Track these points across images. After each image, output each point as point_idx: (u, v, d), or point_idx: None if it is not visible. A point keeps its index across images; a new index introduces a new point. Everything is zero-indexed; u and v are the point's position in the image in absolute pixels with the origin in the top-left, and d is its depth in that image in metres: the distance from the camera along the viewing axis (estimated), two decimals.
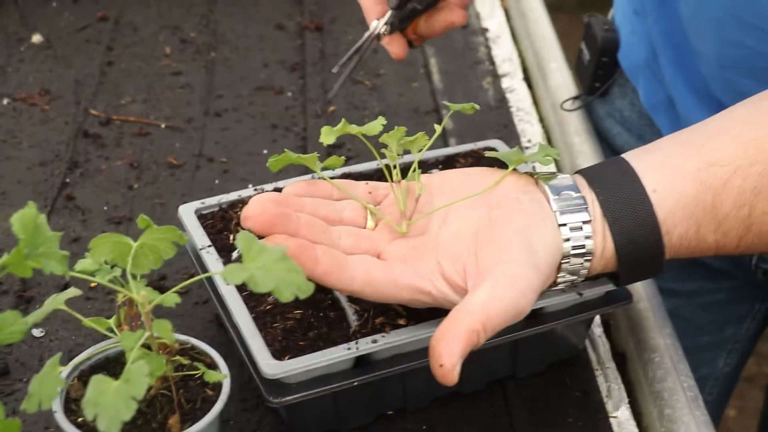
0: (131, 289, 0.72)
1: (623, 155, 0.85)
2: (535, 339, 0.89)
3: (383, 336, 0.81)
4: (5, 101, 1.29)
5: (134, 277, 0.78)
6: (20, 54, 1.39)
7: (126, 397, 0.64)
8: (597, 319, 0.98)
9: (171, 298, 0.72)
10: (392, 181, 0.85)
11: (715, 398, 1.31)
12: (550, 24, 1.41)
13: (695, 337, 1.27)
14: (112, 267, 0.76)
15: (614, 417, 0.88)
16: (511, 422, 0.88)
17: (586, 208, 0.81)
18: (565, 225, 0.80)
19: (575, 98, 1.24)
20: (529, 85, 1.35)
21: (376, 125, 0.85)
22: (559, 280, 0.82)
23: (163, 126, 1.26)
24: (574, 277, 0.82)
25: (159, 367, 0.72)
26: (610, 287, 0.88)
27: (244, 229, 0.76)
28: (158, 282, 1.02)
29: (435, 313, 0.83)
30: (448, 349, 0.74)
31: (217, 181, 1.17)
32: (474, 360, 0.87)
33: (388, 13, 1.05)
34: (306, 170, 1.09)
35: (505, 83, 1.35)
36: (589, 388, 0.92)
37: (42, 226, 0.69)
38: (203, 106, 1.29)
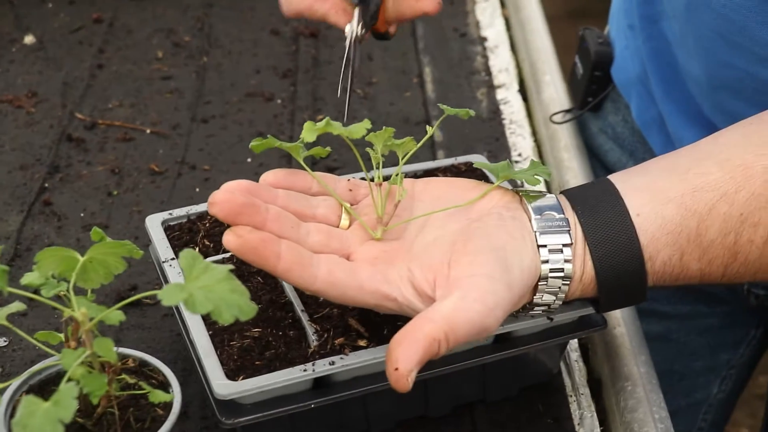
0: (73, 305, 0.69)
1: (609, 176, 0.82)
2: (506, 363, 0.86)
3: (342, 358, 0.79)
4: None
5: (84, 291, 0.77)
6: (11, 55, 1.37)
7: (53, 420, 0.62)
8: (574, 343, 0.95)
9: (115, 316, 0.70)
10: (373, 182, 0.83)
11: (710, 425, 1.28)
12: (548, 35, 1.38)
13: (689, 362, 1.24)
14: (59, 281, 0.74)
15: None
16: None
17: (568, 230, 0.78)
18: (544, 246, 0.77)
19: (567, 112, 1.21)
20: (525, 98, 1.32)
21: (360, 127, 0.82)
22: (535, 301, 0.79)
23: (148, 131, 1.24)
24: (552, 298, 0.79)
25: (100, 387, 0.69)
26: (584, 311, 0.85)
27: (214, 216, 0.74)
28: (128, 292, 1.00)
29: (395, 333, 0.80)
30: (405, 354, 0.71)
31: (197, 189, 1.15)
32: (442, 382, 0.85)
33: (356, 12, 0.98)
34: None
35: (500, 95, 1.32)
36: (561, 414, 0.88)
37: None
38: (190, 112, 1.27)
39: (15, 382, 0.77)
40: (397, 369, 0.71)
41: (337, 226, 0.82)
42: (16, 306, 0.72)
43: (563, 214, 0.79)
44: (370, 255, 0.79)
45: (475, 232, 0.78)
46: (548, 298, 0.79)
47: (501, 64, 1.38)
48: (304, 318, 0.82)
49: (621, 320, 0.92)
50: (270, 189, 0.80)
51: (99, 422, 0.75)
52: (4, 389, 0.76)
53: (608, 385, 0.89)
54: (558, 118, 1.20)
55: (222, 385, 0.76)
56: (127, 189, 1.14)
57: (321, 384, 0.80)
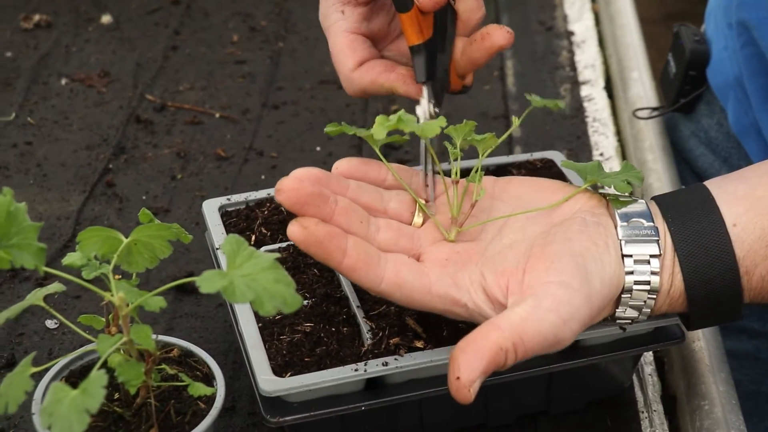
0: (111, 288, 0.66)
1: (705, 182, 0.75)
2: (573, 373, 0.80)
3: (396, 359, 0.74)
4: (64, 81, 1.26)
5: (129, 275, 0.73)
6: (87, 34, 1.36)
7: (80, 410, 0.58)
8: (649, 356, 0.89)
9: (155, 302, 0.67)
10: (448, 177, 0.78)
11: None
12: (639, 30, 1.31)
13: None
14: (101, 263, 0.71)
15: None
16: None
17: (657, 240, 0.72)
18: (630, 256, 0.72)
19: (654, 109, 1.14)
20: (611, 95, 1.26)
21: (434, 125, 0.76)
22: (618, 314, 0.74)
23: (217, 116, 1.21)
24: (636, 313, 0.73)
25: (136, 376, 0.66)
26: (661, 323, 0.78)
27: (279, 201, 0.69)
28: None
29: (458, 336, 0.75)
30: (469, 363, 0.66)
31: (263, 177, 1.11)
32: (503, 391, 0.80)
33: (424, 90, 0.82)
34: None
35: (584, 91, 1.26)
36: (631, 431, 0.82)
37: (18, 215, 0.63)
38: (262, 98, 1.24)
39: (56, 366, 0.74)
40: (458, 378, 0.65)
41: (410, 224, 0.77)
42: (55, 287, 0.69)
43: (653, 222, 0.73)
44: (441, 256, 0.74)
45: (555, 237, 0.72)
46: (632, 312, 0.73)
47: (587, 59, 1.32)
48: (360, 314, 0.77)
49: (701, 334, 0.85)
50: (341, 179, 0.76)
51: (138, 413, 0.71)
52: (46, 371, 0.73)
53: (683, 403, 0.83)
54: (643, 113, 1.14)
55: (268, 381, 0.72)
56: (192, 173, 1.11)
57: (374, 385, 0.76)
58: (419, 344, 0.75)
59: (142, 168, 1.12)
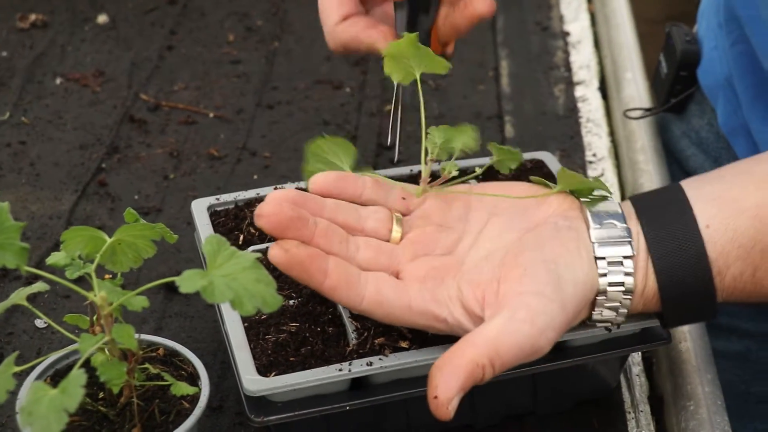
0: (94, 288, 0.66)
1: (681, 182, 0.76)
2: (559, 374, 0.80)
3: (381, 359, 0.74)
4: (58, 81, 1.26)
5: (113, 275, 0.73)
6: (83, 34, 1.36)
7: (59, 409, 0.58)
8: (637, 356, 0.89)
9: (137, 302, 0.67)
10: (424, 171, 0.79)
11: None
12: (634, 30, 1.31)
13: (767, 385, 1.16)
14: (85, 263, 0.71)
15: None
16: None
17: (630, 241, 0.72)
18: (603, 258, 0.72)
19: (646, 110, 1.14)
20: (605, 96, 1.26)
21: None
22: (594, 316, 0.74)
23: (211, 115, 1.21)
24: (613, 314, 0.74)
25: (118, 375, 0.66)
26: (648, 324, 0.78)
27: (258, 225, 0.70)
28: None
29: (442, 337, 0.75)
30: (446, 382, 0.67)
31: (256, 177, 1.11)
32: (490, 392, 0.80)
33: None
34: None
35: (578, 92, 1.26)
36: None
37: (0, 214, 0.63)
38: (256, 97, 1.24)
39: (41, 365, 0.74)
40: (436, 397, 0.66)
41: (388, 240, 0.78)
42: (38, 286, 0.69)
43: (625, 223, 0.73)
44: (419, 273, 0.75)
45: (527, 244, 0.73)
46: (608, 313, 0.74)
47: (582, 60, 1.32)
48: (345, 314, 0.77)
49: (687, 335, 0.85)
50: (317, 199, 0.76)
51: (122, 412, 0.71)
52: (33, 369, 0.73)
53: (670, 404, 0.83)
54: (634, 113, 1.14)
55: (252, 381, 0.72)
56: (185, 173, 1.11)
57: (359, 385, 0.76)
58: (404, 344, 0.75)
59: (135, 168, 1.12)
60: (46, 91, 1.24)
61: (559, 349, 0.79)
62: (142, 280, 0.96)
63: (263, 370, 0.73)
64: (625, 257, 0.72)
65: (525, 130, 1.18)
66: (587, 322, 0.75)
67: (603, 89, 1.27)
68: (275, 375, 0.73)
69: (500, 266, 0.72)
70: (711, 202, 0.74)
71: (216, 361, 0.88)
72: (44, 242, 1.01)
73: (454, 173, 0.78)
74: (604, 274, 0.72)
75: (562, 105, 1.23)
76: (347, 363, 0.74)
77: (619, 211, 0.74)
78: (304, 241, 0.71)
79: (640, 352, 0.88)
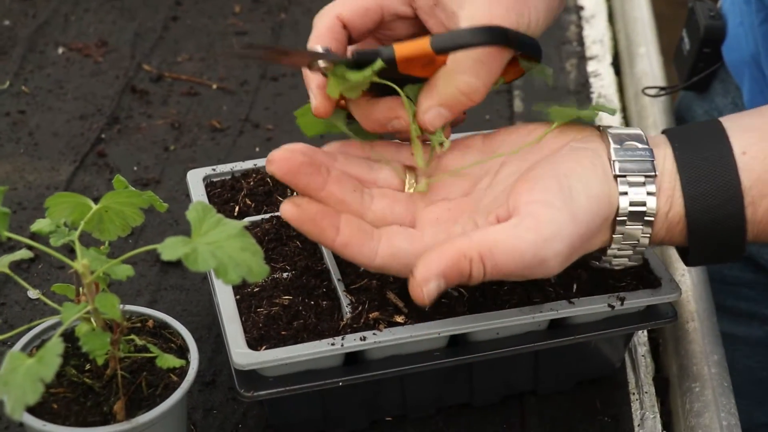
0: (78, 255, 0.64)
1: (719, 118, 0.73)
2: (561, 352, 0.78)
3: (374, 334, 0.72)
4: (60, 50, 1.24)
5: (101, 242, 0.71)
6: (87, 3, 1.33)
7: (35, 379, 0.56)
8: (644, 335, 0.86)
9: (122, 270, 0.65)
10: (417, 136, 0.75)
11: None
12: (649, 4, 1.27)
13: None
14: (70, 230, 0.68)
15: None
16: None
17: (652, 161, 0.70)
18: (623, 176, 0.69)
19: (666, 88, 1.11)
20: (618, 72, 1.23)
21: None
22: (615, 239, 0.70)
23: (214, 87, 1.18)
24: (634, 242, 0.70)
25: (101, 346, 0.64)
26: (652, 300, 0.76)
27: (271, 174, 0.68)
28: None
29: (438, 311, 0.73)
30: (427, 262, 0.65)
31: (258, 149, 1.09)
32: (488, 369, 0.78)
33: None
34: None
35: (591, 66, 1.23)
36: (621, 413, 0.80)
37: None
38: (260, 69, 1.21)
39: (27, 336, 0.72)
40: (413, 275, 0.65)
41: (402, 191, 0.75)
42: (21, 254, 0.67)
43: (647, 144, 0.70)
44: (433, 216, 0.72)
45: (540, 163, 0.71)
46: (630, 236, 0.70)
47: (596, 34, 1.29)
48: (340, 288, 0.75)
49: (695, 314, 0.82)
50: (329, 153, 0.74)
51: (108, 384, 0.69)
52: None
53: (675, 385, 0.80)
54: (652, 91, 1.10)
55: (242, 355, 0.70)
56: (185, 144, 1.09)
57: (353, 360, 0.74)
58: (399, 319, 0.73)
59: (135, 138, 1.10)
60: (48, 60, 1.22)
61: (561, 325, 0.77)
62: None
63: (254, 343, 0.71)
64: (647, 176, 0.69)
65: (534, 104, 1.16)
66: (607, 251, 0.71)
67: (616, 65, 1.24)
68: (266, 349, 0.71)
69: (513, 187, 0.70)
70: (749, 131, 0.70)
71: (210, 335, 0.86)
72: (40, 213, 0.98)
73: (447, 145, 0.75)
74: (624, 193, 0.69)
75: (573, 80, 1.20)
76: (340, 338, 0.71)
77: (641, 133, 0.71)
78: (317, 187, 0.69)
79: (645, 332, 0.86)
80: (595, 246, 0.70)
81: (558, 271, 0.67)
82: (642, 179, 0.69)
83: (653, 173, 0.69)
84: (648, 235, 0.70)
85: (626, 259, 0.72)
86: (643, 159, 0.70)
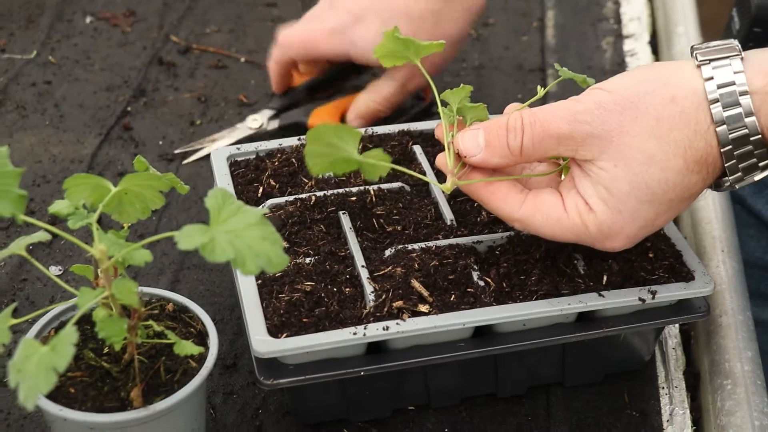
0: (95, 240, 0.62)
1: None
2: (589, 345, 0.76)
3: (398, 323, 0.70)
4: (88, 20, 1.22)
5: (121, 225, 0.70)
6: None
7: (48, 368, 0.55)
8: (674, 328, 0.84)
9: (140, 256, 0.63)
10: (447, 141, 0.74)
11: None
12: None
13: None
14: (89, 213, 0.67)
15: None
16: None
17: (737, 47, 0.68)
18: (707, 62, 0.67)
19: None
20: (655, 51, 1.20)
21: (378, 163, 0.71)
22: (716, 120, 0.66)
23: (242, 60, 1.16)
24: (739, 126, 0.66)
25: (118, 333, 0.62)
26: (684, 294, 0.74)
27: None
28: None
29: (463, 301, 0.71)
30: None
31: None
32: (514, 360, 0.76)
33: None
34: None
35: (627, 45, 1.20)
36: (650, 408, 0.78)
37: None
38: None
39: (46, 317, 0.71)
40: None
41: None
42: (39, 236, 0.66)
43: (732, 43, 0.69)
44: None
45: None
46: (730, 125, 0.66)
47: (633, 12, 1.25)
48: (364, 275, 0.73)
49: (728, 309, 0.80)
50: None
51: (125, 369, 0.68)
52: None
53: (706, 381, 0.78)
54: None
55: (262, 342, 0.69)
56: (212, 119, 1.07)
57: (376, 349, 0.72)
58: (424, 308, 0.71)
59: (161, 112, 1.08)
60: (75, 30, 1.20)
61: (590, 318, 0.75)
62: (161, 229, 0.93)
63: (274, 330, 0.70)
64: (732, 55, 0.67)
65: (567, 86, 1.12)
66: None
67: (653, 44, 1.21)
68: (286, 336, 0.69)
69: None
70: None
71: (233, 317, 0.85)
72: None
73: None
74: (710, 78, 0.67)
75: (609, 59, 1.17)
76: (362, 327, 0.70)
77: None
78: None
79: (678, 325, 0.83)
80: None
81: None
82: (728, 60, 0.67)
83: (738, 53, 0.67)
84: (753, 118, 0.66)
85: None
86: (727, 47, 0.68)
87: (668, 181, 0.66)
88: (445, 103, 0.75)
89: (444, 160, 0.73)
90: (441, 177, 0.83)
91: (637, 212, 0.67)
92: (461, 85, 0.75)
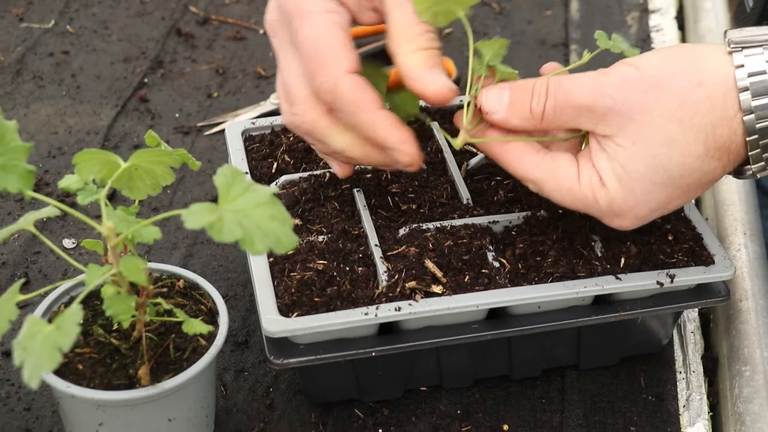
0: (103, 216, 0.61)
1: None
2: (605, 328, 0.75)
3: (410, 304, 0.69)
4: None
5: (132, 201, 0.69)
6: None
7: (52, 347, 0.54)
8: (693, 312, 0.82)
9: (149, 233, 0.62)
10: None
11: None
12: None
13: None
14: (99, 188, 0.66)
15: None
16: (561, 420, 0.75)
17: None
18: (739, 50, 0.65)
19: None
20: (681, 27, 1.17)
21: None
22: (747, 119, 0.65)
23: (261, 32, 1.15)
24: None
25: (125, 310, 0.62)
26: (703, 278, 0.72)
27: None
28: None
29: (477, 282, 0.70)
30: None
31: None
32: (529, 342, 0.75)
33: None
34: None
35: (653, 20, 1.17)
36: (666, 393, 0.77)
37: (5, 134, 0.59)
38: None
39: (55, 292, 0.71)
40: None
41: None
42: (48, 211, 0.65)
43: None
44: None
45: None
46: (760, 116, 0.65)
47: None
48: (377, 254, 0.72)
49: (749, 293, 0.79)
50: None
51: (134, 346, 0.68)
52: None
53: (724, 367, 0.77)
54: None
55: (272, 321, 0.68)
56: (229, 92, 1.06)
57: (388, 330, 0.71)
58: (437, 289, 0.70)
59: (178, 84, 1.07)
60: None
61: (607, 301, 0.73)
62: (176, 203, 0.93)
63: (285, 309, 0.69)
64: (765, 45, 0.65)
65: (591, 60, 1.11)
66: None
67: (680, 19, 1.18)
68: (297, 316, 0.68)
69: None
70: None
71: (245, 293, 0.84)
72: None
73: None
74: (741, 65, 0.65)
75: (634, 34, 1.15)
76: (374, 307, 0.69)
77: None
78: None
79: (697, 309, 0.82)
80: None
81: None
82: (760, 48, 0.65)
83: None
84: None
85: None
86: (762, 35, 0.66)
87: (686, 166, 0.65)
88: (478, 54, 0.73)
89: (461, 116, 0.71)
90: (457, 155, 0.82)
91: (650, 194, 0.66)
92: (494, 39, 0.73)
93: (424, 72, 0.67)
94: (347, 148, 0.69)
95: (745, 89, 0.64)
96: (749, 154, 0.65)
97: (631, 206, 0.66)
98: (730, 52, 0.66)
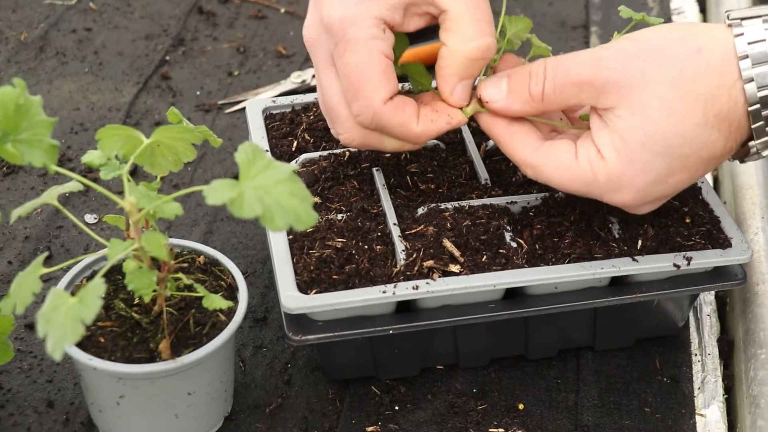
0: (125, 192, 0.62)
1: None
2: (621, 309, 0.75)
3: (428, 283, 0.70)
4: None
5: (152, 177, 0.70)
6: None
7: (75, 319, 0.55)
8: (709, 295, 0.83)
9: (170, 209, 0.63)
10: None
11: None
12: None
13: None
14: (121, 164, 0.67)
15: (701, 415, 0.74)
16: (576, 400, 0.75)
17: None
18: (738, 22, 0.65)
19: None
20: (703, 9, 1.17)
21: None
22: (747, 87, 0.65)
23: (282, 11, 1.16)
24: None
25: (147, 285, 0.62)
26: (720, 261, 0.73)
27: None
28: None
29: (494, 262, 0.71)
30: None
31: None
32: (545, 322, 0.75)
33: None
34: None
35: (674, 3, 1.17)
36: (681, 375, 0.77)
37: (30, 108, 0.60)
38: None
39: (78, 266, 0.72)
40: None
41: None
42: (71, 186, 0.66)
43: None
44: None
45: None
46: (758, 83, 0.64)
47: None
48: (395, 233, 0.73)
49: (766, 277, 0.79)
50: None
51: (155, 321, 0.68)
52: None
53: (740, 350, 0.77)
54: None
55: (291, 298, 0.69)
56: (249, 70, 1.07)
57: (405, 308, 0.72)
58: (455, 268, 0.71)
59: (199, 62, 1.08)
60: None
61: (623, 283, 0.74)
62: (196, 180, 0.93)
63: (304, 286, 0.70)
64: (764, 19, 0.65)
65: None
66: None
67: (701, 2, 1.18)
68: (316, 293, 0.69)
69: None
70: None
71: (264, 270, 0.85)
72: None
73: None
74: (740, 34, 0.65)
75: (654, 16, 1.15)
76: (392, 285, 0.69)
77: None
78: None
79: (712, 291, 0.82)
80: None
81: None
82: (760, 18, 0.65)
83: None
84: None
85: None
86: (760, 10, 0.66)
87: (685, 134, 0.65)
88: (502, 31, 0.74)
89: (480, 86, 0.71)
90: (476, 136, 0.82)
91: (649, 164, 0.66)
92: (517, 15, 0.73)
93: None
94: (401, 147, 0.73)
95: (745, 56, 0.64)
96: (752, 127, 0.65)
97: (630, 177, 0.66)
98: (730, 25, 0.66)
